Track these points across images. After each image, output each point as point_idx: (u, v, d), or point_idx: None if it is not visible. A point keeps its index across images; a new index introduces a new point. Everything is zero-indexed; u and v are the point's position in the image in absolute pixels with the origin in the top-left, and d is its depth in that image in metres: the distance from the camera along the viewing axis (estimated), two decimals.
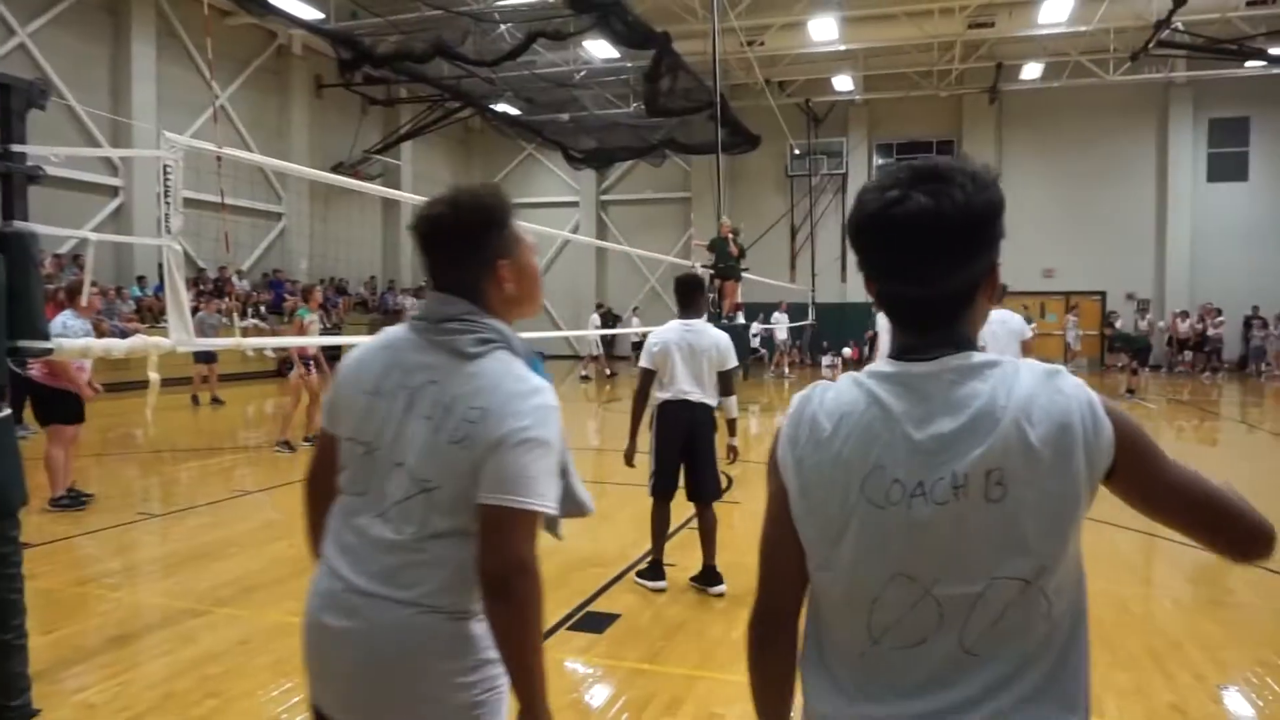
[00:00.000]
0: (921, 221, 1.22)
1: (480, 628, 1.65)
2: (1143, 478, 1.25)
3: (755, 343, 23.79)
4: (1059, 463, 1.19)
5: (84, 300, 7.04)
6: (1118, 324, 20.72)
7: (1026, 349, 6.53)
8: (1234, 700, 3.95)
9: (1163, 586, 5.62)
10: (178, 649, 4.43)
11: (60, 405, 7.13)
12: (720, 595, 5.29)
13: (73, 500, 7.34)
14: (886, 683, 1.26)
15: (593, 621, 4.85)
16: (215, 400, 15.65)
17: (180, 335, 4.34)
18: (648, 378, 5.40)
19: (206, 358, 15.41)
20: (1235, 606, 5.28)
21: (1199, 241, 25.30)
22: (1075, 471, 1.20)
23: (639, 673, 4.18)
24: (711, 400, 5.40)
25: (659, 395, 5.38)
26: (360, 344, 1.87)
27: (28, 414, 7.36)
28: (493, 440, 1.59)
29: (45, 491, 7.23)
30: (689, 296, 5.52)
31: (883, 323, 12.35)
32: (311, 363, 10.65)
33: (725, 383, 5.44)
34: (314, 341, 10.76)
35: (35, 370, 6.81)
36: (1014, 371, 1.25)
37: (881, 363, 1.33)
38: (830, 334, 25.85)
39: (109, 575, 5.80)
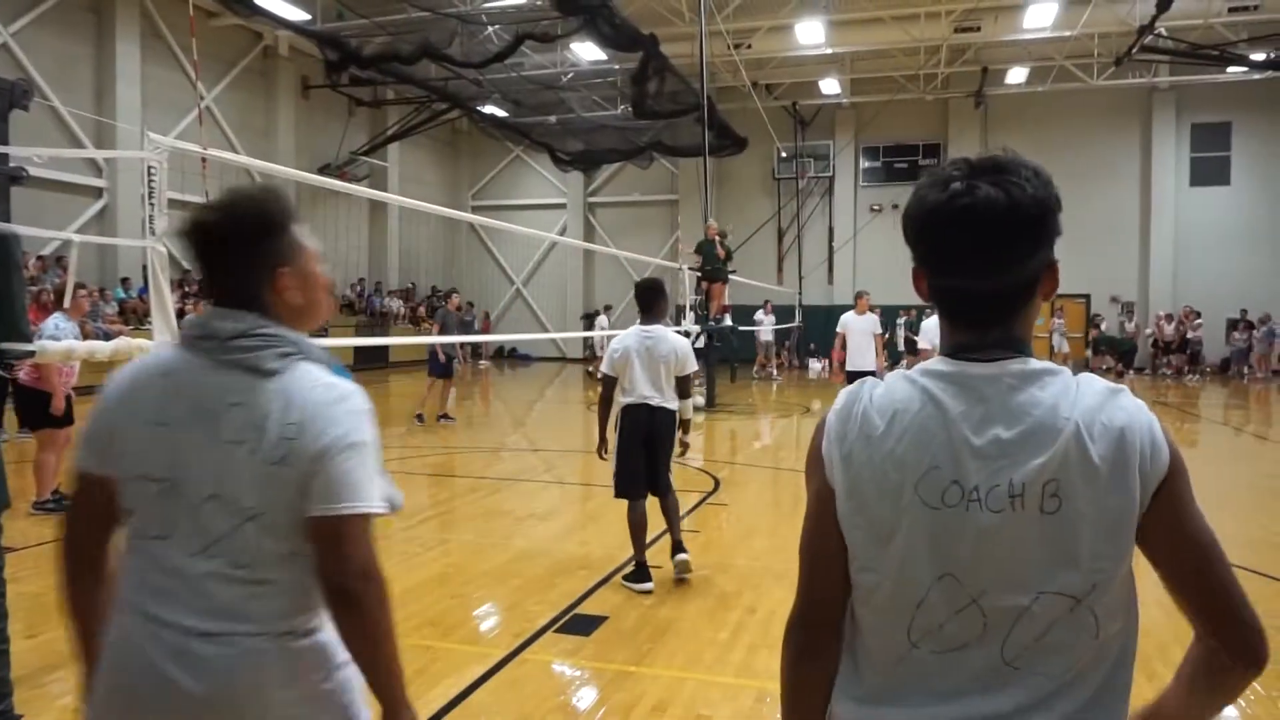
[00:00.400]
0: (992, 211, 1.21)
1: (334, 633, 1.60)
2: (1175, 514, 1.23)
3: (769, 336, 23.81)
4: (1116, 480, 1.19)
5: (67, 302, 6.99)
6: (1103, 326, 20.83)
7: None
8: None
9: (1149, 588, 5.66)
10: None
11: (51, 409, 7.07)
12: (686, 560, 5.48)
13: (57, 504, 7.27)
14: (922, 687, 1.25)
15: (580, 624, 4.86)
16: None
17: (165, 337, 4.32)
18: (610, 384, 5.63)
19: None
20: None
21: (1182, 245, 25.49)
22: (1130, 490, 1.19)
23: (626, 675, 4.19)
24: (672, 404, 5.58)
25: (622, 400, 5.57)
26: (121, 372, 1.68)
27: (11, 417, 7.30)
28: (316, 452, 1.53)
29: (29, 495, 7.17)
30: (648, 302, 5.68)
31: (851, 323, 12.44)
32: None
33: (682, 387, 5.63)
34: None
35: (24, 374, 6.75)
36: (1075, 384, 1.24)
37: (935, 361, 1.31)
38: (817, 336, 25.90)
39: None
